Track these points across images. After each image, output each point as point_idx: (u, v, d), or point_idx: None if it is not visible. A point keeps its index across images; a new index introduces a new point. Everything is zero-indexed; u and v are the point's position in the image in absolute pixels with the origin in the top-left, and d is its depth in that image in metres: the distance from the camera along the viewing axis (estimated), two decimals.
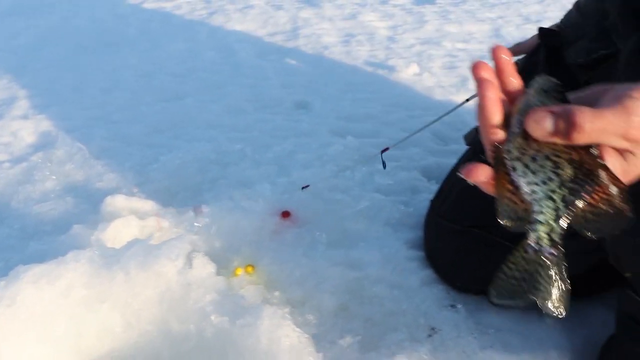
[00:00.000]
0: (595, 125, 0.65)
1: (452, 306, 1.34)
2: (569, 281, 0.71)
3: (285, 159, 1.79)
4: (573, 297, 1.36)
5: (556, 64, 1.35)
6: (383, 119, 2.01)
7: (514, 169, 0.68)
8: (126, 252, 1.15)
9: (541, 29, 1.43)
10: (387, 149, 1.61)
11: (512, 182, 0.69)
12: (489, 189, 0.73)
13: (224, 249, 1.45)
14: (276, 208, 1.54)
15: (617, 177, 0.67)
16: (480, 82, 0.72)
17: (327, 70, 2.38)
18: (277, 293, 1.33)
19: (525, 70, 1.39)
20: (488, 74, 0.73)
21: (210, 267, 1.19)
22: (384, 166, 1.60)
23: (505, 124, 0.70)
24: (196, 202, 1.59)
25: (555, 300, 0.71)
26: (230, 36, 2.65)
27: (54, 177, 1.74)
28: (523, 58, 1.45)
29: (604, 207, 0.67)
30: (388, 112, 2.08)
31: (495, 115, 0.71)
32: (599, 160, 0.66)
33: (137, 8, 2.99)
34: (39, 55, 2.49)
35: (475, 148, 1.41)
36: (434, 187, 1.55)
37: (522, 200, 0.70)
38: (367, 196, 1.63)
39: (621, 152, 0.69)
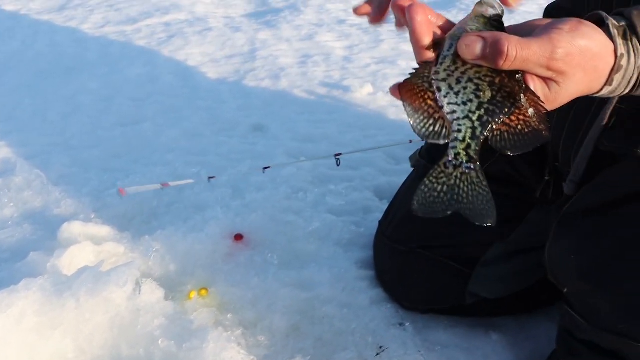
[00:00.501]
0: (520, 54, 0.71)
1: (401, 324, 1.39)
2: (490, 194, 0.77)
3: (240, 182, 1.83)
4: (519, 313, 1.42)
5: None
6: (338, 139, 2.06)
7: (439, 89, 0.74)
8: (77, 279, 1.19)
9: None
10: (339, 154, 1.72)
11: (436, 102, 0.74)
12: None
13: (178, 272, 1.50)
14: (229, 231, 1.59)
15: (538, 100, 0.72)
16: (409, 8, 0.77)
17: (283, 92, 2.44)
18: (230, 315, 1.37)
19: None
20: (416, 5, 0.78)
21: (159, 293, 1.23)
22: (338, 164, 1.70)
23: (437, 48, 0.76)
24: (151, 227, 1.63)
25: (478, 210, 0.79)
26: (189, 59, 2.70)
27: (12, 205, 1.77)
28: None
29: (520, 127, 0.73)
30: (343, 133, 2.14)
31: (425, 37, 0.76)
32: (520, 84, 0.72)
33: (96, 32, 3.03)
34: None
35: (419, 171, 1.47)
36: (386, 207, 1.60)
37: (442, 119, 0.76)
38: (319, 217, 1.68)
39: (546, 81, 0.74)
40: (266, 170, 1.75)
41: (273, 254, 1.54)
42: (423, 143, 1.51)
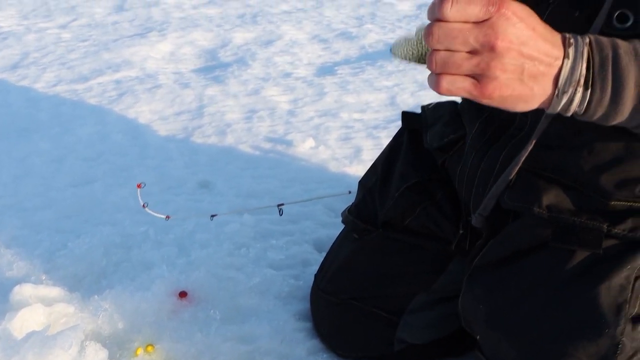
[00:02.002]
0: None
1: None
2: None
3: (185, 240, 1.93)
4: (444, 358, 1.53)
5: (418, 147, 1.53)
6: (280, 194, 2.16)
7: None
8: (24, 343, 1.27)
9: (404, 113, 1.61)
10: (282, 205, 1.87)
11: None
12: None
13: (126, 330, 1.58)
14: (174, 288, 1.67)
15: None
16: None
17: (229, 147, 2.54)
18: None
19: (393, 150, 1.58)
20: None
21: (103, 353, 1.31)
22: (280, 213, 1.86)
23: None
24: (101, 287, 1.72)
25: None
26: (138, 117, 2.79)
27: None
28: (391, 140, 1.63)
29: None
30: (285, 187, 2.25)
31: None
32: None
33: (49, 91, 3.10)
34: None
35: (348, 226, 1.59)
36: None
37: None
38: (260, 272, 1.78)
39: None
40: (213, 218, 1.90)
41: (215, 309, 1.63)
42: (354, 199, 1.63)
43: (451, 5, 0.86)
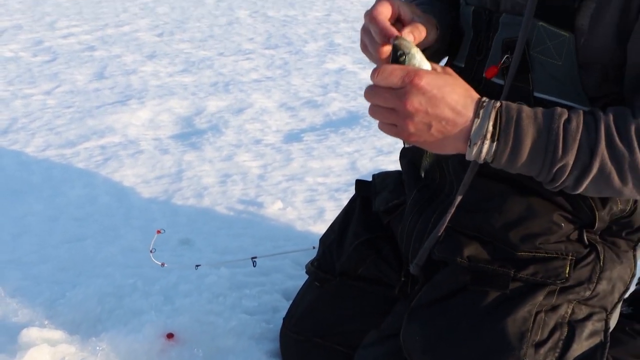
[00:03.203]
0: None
1: None
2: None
3: (170, 290, 2.20)
4: None
5: (368, 210, 1.84)
6: (253, 250, 2.44)
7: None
8: None
9: (357, 181, 1.93)
10: (255, 257, 2.26)
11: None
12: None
13: None
14: (162, 331, 1.94)
15: None
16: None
17: (206, 209, 2.83)
18: None
19: (347, 213, 1.89)
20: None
21: None
22: (254, 265, 2.25)
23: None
24: (97, 330, 1.98)
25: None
26: (123, 180, 3.07)
27: None
28: (346, 204, 1.94)
29: None
30: (257, 244, 2.53)
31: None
32: None
33: (39, 155, 3.36)
34: None
35: (311, 277, 1.88)
36: None
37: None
38: (236, 317, 2.06)
39: None
40: (198, 268, 2.25)
41: (199, 348, 1.90)
42: (316, 254, 1.92)
43: (377, 75, 1.21)
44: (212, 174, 3.18)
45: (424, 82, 1.18)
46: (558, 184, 1.27)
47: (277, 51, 5.89)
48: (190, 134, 3.76)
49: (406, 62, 1.23)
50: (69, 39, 6.27)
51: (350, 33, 6.76)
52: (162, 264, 2.22)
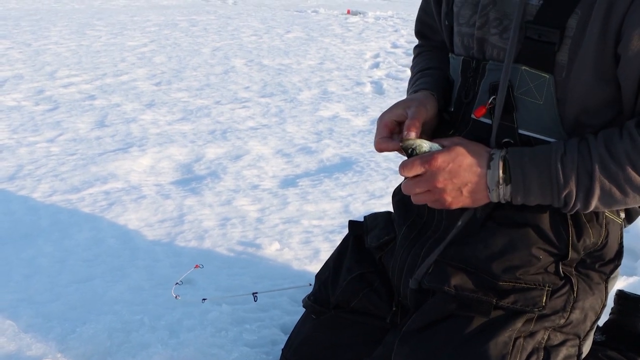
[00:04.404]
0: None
1: None
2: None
3: (174, 325, 2.33)
4: None
5: (360, 247, 1.99)
6: (252, 288, 2.57)
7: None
8: None
9: (350, 222, 2.08)
10: (256, 293, 2.41)
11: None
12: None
13: None
14: None
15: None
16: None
17: (207, 251, 2.97)
18: None
19: (341, 251, 2.04)
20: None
21: None
22: (255, 299, 2.39)
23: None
24: None
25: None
26: (128, 224, 3.21)
27: None
28: (340, 243, 2.08)
29: None
30: (255, 283, 2.67)
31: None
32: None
33: (45, 200, 3.50)
34: None
35: (307, 310, 2.02)
36: None
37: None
38: (238, 350, 2.19)
39: None
40: (203, 302, 2.40)
41: None
42: (312, 289, 2.06)
43: (403, 170, 1.52)
44: (212, 217, 3.33)
45: (439, 161, 1.48)
46: (571, 208, 1.49)
47: (272, 99, 6.09)
48: (190, 180, 3.91)
49: (418, 151, 1.52)
50: (70, 88, 6.46)
51: (343, 81, 6.98)
52: (176, 296, 2.37)
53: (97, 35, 10.16)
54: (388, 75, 7.37)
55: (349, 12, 14.25)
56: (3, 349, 2.21)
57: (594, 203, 1.47)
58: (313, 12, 14.45)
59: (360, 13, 14.04)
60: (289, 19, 12.85)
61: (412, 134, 1.57)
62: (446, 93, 1.78)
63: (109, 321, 2.34)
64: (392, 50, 9.24)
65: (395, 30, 11.41)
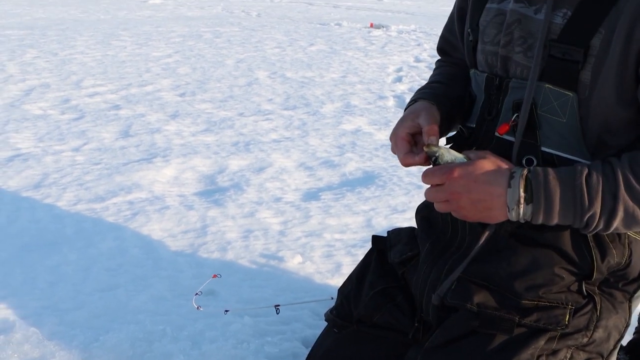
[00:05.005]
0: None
1: None
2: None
3: (197, 336, 2.35)
4: None
5: (383, 262, 2.00)
6: (273, 300, 2.59)
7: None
8: None
9: (373, 237, 2.09)
10: (278, 305, 2.43)
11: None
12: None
13: None
14: None
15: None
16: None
17: (230, 262, 2.99)
18: None
19: (364, 265, 2.04)
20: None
21: None
22: (277, 312, 2.42)
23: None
24: None
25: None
26: (151, 234, 3.24)
27: (15, 356, 2.23)
28: (363, 257, 2.09)
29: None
30: (277, 295, 2.68)
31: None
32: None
33: (71, 209, 3.54)
34: None
35: (330, 324, 2.02)
36: None
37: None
38: None
39: None
40: (225, 314, 2.42)
41: None
42: (334, 303, 2.07)
43: (425, 178, 1.54)
44: (235, 229, 3.35)
45: (457, 174, 1.50)
46: (592, 229, 1.48)
47: (295, 112, 6.11)
48: (213, 191, 3.94)
49: (440, 161, 1.55)
50: (95, 97, 6.53)
51: (366, 94, 7.00)
52: (198, 307, 2.39)
53: (122, 45, 10.25)
54: (411, 90, 7.37)
55: (371, 25, 14.27)
56: (27, 356, 2.24)
57: (615, 224, 1.46)
58: (336, 25, 14.49)
59: (383, 26, 14.06)
60: (312, 32, 12.89)
61: (434, 139, 1.61)
62: (453, 107, 1.82)
63: (132, 330, 2.36)
64: (415, 64, 9.24)
65: (418, 44, 11.41)
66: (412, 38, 12.40)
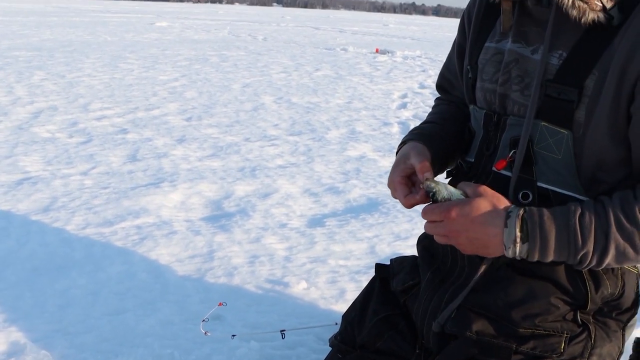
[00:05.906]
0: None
1: None
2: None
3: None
4: None
5: (386, 290, 2.06)
6: (279, 325, 2.65)
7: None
8: None
9: (377, 265, 2.15)
10: (284, 330, 2.47)
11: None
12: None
13: None
14: None
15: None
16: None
17: (236, 287, 3.04)
18: None
19: (367, 292, 2.10)
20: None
21: None
22: (283, 337, 2.47)
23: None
24: None
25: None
26: (159, 259, 3.29)
27: None
28: (367, 285, 2.15)
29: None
30: (282, 321, 2.74)
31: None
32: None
33: (79, 233, 3.60)
34: (1, 276, 3.05)
35: (334, 349, 2.08)
36: None
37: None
38: None
39: None
40: (233, 339, 2.47)
41: None
42: (339, 329, 2.13)
43: (425, 215, 1.59)
44: (241, 254, 3.41)
45: (454, 214, 1.54)
46: (585, 265, 1.53)
47: (300, 137, 6.19)
48: (219, 217, 4.01)
49: (437, 197, 1.59)
50: (103, 121, 6.62)
51: (371, 121, 7.08)
52: (206, 333, 2.45)
53: (129, 68, 10.37)
54: (415, 116, 7.46)
55: (377, 50, 14.40)
56: None
57: (607, 261, 1.53)
58: (342, 50, 14.62)
59: (388, 52, 14.18)
60: (318, 57, 13.02)
61: (429, 174, 1.66)
62: (446, 145, 1.90)
63: (140, 354, 2.42)
64: (420, 90, 9.34)
65: (423, 70, 11.52)
66: (417, 64, 12.52)
